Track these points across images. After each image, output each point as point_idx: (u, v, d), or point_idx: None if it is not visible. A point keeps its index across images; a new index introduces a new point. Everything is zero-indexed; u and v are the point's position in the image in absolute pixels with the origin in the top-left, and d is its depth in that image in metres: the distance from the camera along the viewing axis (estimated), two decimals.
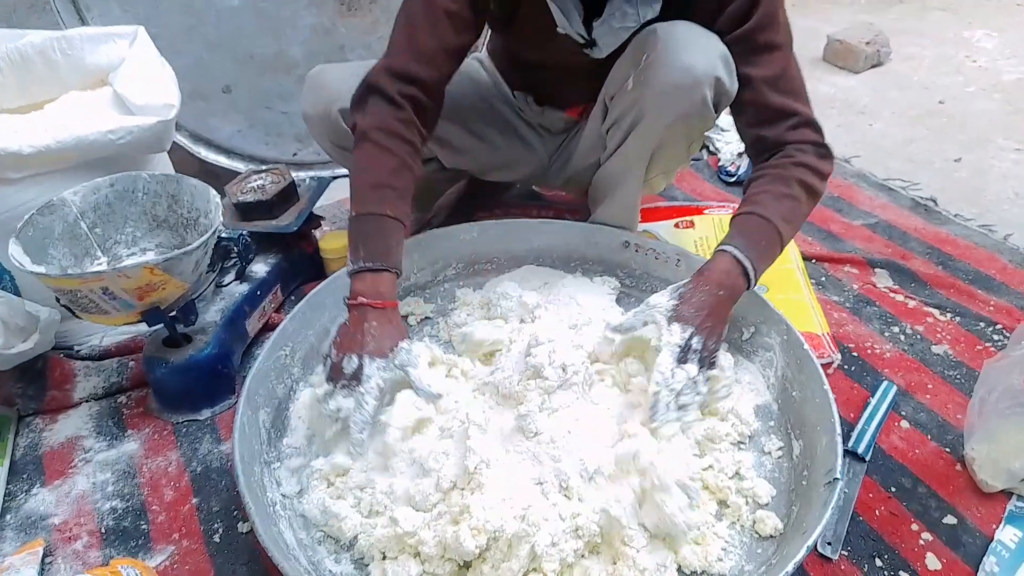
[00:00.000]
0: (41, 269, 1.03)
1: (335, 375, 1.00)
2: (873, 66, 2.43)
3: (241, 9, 1.64)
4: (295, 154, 1.80)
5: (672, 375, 0.99)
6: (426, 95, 1.10)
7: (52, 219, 1.11)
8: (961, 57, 2.48)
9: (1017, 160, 1.90)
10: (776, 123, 1.11)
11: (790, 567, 0.82)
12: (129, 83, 1.22)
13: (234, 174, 1.61)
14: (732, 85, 1.10)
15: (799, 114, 1.10)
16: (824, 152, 1.11)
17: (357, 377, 0.98)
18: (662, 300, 1.05)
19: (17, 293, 1.23)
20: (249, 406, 1.03)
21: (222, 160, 1.73)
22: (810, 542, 0.85)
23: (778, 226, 1.06)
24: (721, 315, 1.05)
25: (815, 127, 1.12)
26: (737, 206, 1.12)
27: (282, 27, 1.69)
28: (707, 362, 1.02)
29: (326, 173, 1.74)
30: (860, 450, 1.11)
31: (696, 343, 1.01)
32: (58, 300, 1.07)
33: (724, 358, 1.08)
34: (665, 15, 1.09)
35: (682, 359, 1.00)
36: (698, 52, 1.07)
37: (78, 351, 1.30)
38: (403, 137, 1.08)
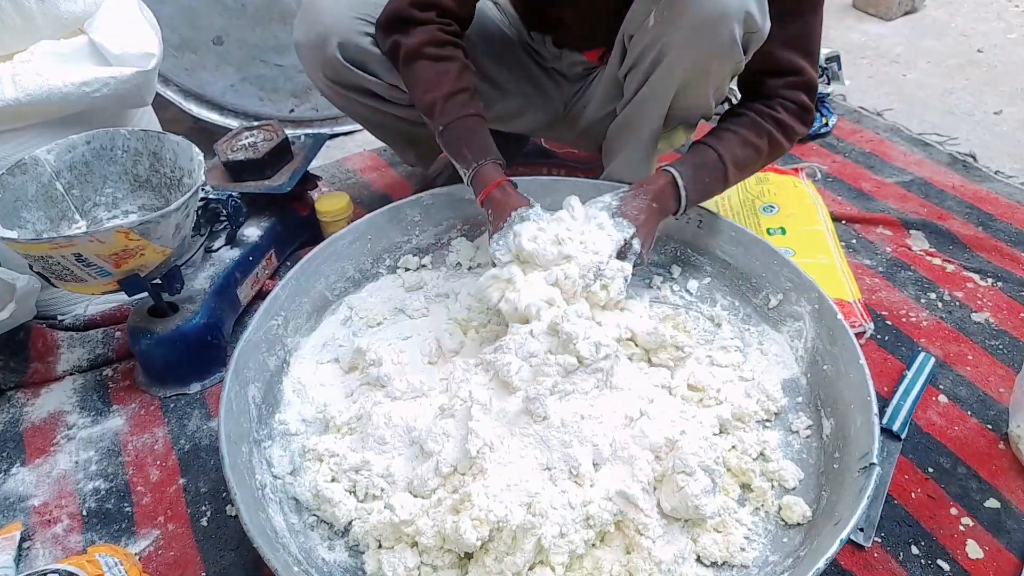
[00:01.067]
0: (11, 234, 0.95)
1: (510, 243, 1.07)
2: (907, 12, 2.30)
3: None
4: (292, 111, 1.70)
5: (607, 262, 1.04)
6: (453, 18, 1.13)
7: (25, 179, 1.03)
8: (1003, 1, 2.33)
9: None
10: (779, 76, 1.12)
11: (821, 563, 0.75)
12: (106, 31, 1.13)
13: (228, 132, 1.53)
14: (764, 23, 1.00)
15: (805, 75, 1.12)
16: (807, 118, 1.15)
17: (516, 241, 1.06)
18: (606, 199, 1.11)
19: None
20: (237, 380, 0.97)
21: (214, 117, 1.64)
22: (844, 535, 0.77)
23: (728, 169, 1.11)
24: (652, 226, 1.10)
25: (811, 90, 1.14)
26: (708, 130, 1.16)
27: None
28: (633, 254, 1.08)
29: (324, 131, 1.64)
30: (895, 427, 1.03)
31: (636, 244, 1.07)
32: (31, 268, 0.99)
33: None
34: None
35: (620, 255, 1.07)
36: None
37: (62, 321, 1.24)
38: (454, 43, 1.13)
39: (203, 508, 0.99)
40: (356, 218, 1.32)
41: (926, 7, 2.31)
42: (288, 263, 1.37)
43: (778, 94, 1.13)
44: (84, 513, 0.99)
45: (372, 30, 1.17)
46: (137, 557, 0.91)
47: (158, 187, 1.13)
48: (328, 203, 1.38)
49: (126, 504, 1.00)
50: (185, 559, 0.93)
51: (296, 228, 1.37)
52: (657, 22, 1.04)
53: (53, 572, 0.83)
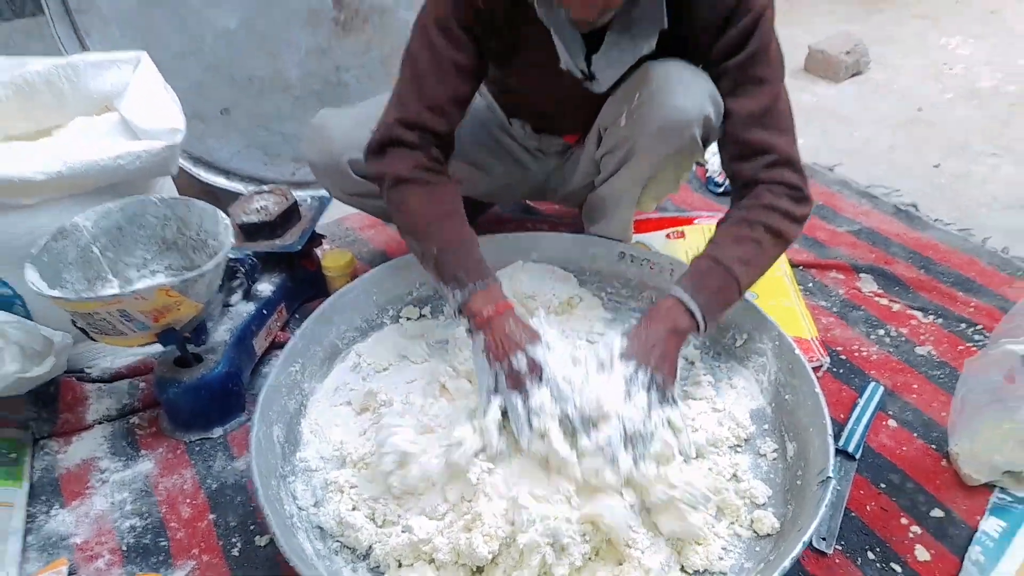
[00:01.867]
0: (60, 294, 1.06)
1: (513, 380, 1.00)
2: (853, 75, 2.50)
3: (238, 31, 1.67)
4: (293, 173, 1.83)
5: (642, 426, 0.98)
6: (440, 143, 1.16)
7: (66, 244, 1.14)
8: (939, 65, 2.56)
9: (995, 165, 1.97)
10: (753, 159, 1.11)
11: (787, 563, 0.87)
12: (135, 108, 1.26)
13: (234, 195, 1.65)
14: (718, 117, 1.14)
15: (778, 151, 1.10)
16: (798, 195, 1.11)
17: (534, 367, 1.00)
18: (613, 342, 1.05)
19: (29, 317, 1.25)
20: (264, 422, 1.07)
21: (221, 181, 1.76)
22: (805, 538, 0.89)
23: (732, 268, 1.07)
24: (666, 352, 1.04)
25: (793, 166, 1.11)
26: (713, 234, 1.13)
27: (279, 48, 1.73)
28: (662, 392, 1.02)
29: (323, 192, 1.77)
30: (851, 449, 1.16)
31: (642, 375, 1.00)
32: (74, 323, 1.10)
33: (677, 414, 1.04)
34: (661, 47, 1.12)
35: (627, 393, 0.99)
36: (688, 93, 1.12)
37: (89, 373, 1.33)
38: (440, 171, 1.16)
39: (233, 540, 1.08)
40: (358, 273, 1.45)
41: (871, 70, 2.53)
42: (296, 315, 1.48)
43: (759, 179, 1.11)
44: (123, 548, 1.07)
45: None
46: None
47: (183, 248, 1.24)
48: (333, 259, 1.50)
49: (161, 539, 1.09)
50: None
51: (304, 283, 1.49)
52: (628, 123, 1.20)
53: None
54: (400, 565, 0.96)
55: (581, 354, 1.06)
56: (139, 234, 1.22)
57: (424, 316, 1.40)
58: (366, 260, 1.63)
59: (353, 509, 1.04)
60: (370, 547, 0.99)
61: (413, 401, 1.16)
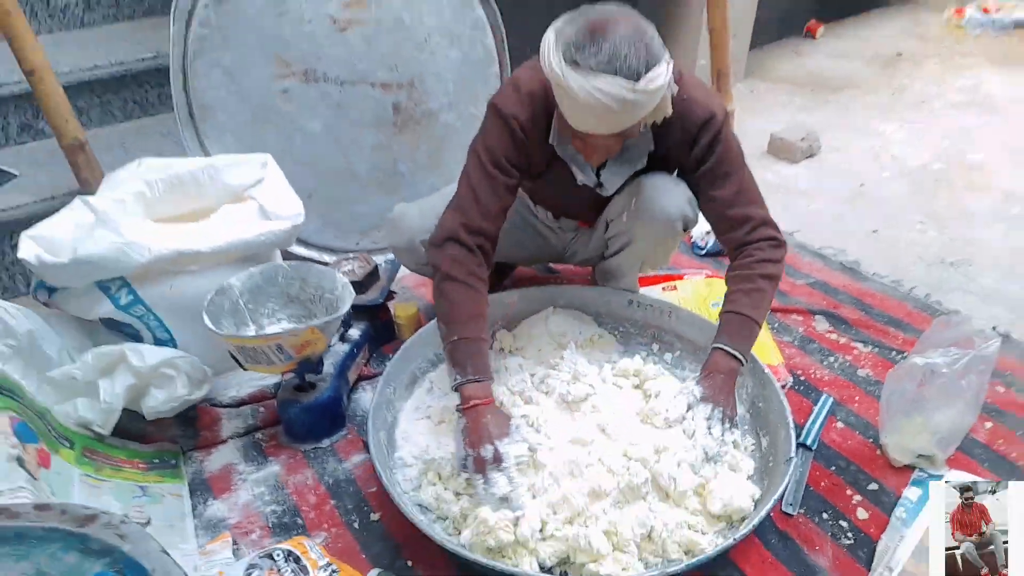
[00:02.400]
0: (237, 331, 1.45)
1: (479, 465, 1.31)
2: (808, 157, 2.97)
3: (320, 134, 2.11)
4: (357, 243, 2.24)
5: (710, 437, 1.41)
6: (489, 241, 1.48)
7: (223, 299, 1.53)
8: (878, 148, 3.04)
9: (921, 230, 2.43)
10: (738, 228, 1.49)
11: (764, 511, 1.26)
12: (267, 197, 1.67)
13: (315, 262, 2.05)
14: (695, 215, 1.58)
15: (755, 218, 1.48)
16: (777, 243, 1.49)
17: (497, 459, 1.31)
18: (692, 388, 1.47)
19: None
20: (375, 428, 1.45)
21: (302, 251, 2.16)
22: (776, 495, 1.28)
23: (751, 316, 1.46)
24: (729, 390, 1.46)
25: (770, 224, 1.50)
26: (726, 295, 1.52)
27: (350, 146, 2.17)
28: (729, 421, 1.44)
29: (379, 258, 2.18)
30: (808, 442, 1.55)
31: (717, 413, 1.43)
32: (233, 356, 1.48)
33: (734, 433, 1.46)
34: (650, 161, 1.56)
35: (708, 427, 1.43)
36: (672, 198, 1.55)
37: (220, 401, 1.70)
38: (479, 276, 1.44)
39: (352, 517, 1.44)
40: (421, 321, 1.85)
41: (822, 153, 3.00)
42: (375, 354, 1.87)
43: (747, 240, 1.47)
44: (270, 525, 1.43)
45: None
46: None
47: (304, 302, 1.63)
48: (403, 310, 1.90)
49: (298, 518, 1.44)
50: (349, 549, 1.37)
51: (381, 329, 1.88)
52: (628, 220, 1.63)
53: (276, 550, 1.28)
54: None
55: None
56: (271, 291, 1.61)
57: None
58: (423, 311, 2.02)
59: (446, 490, 1.41)
60: (463, 517, 1.35)
61: None
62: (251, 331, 1.57)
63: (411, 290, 2.11)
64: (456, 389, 1.39)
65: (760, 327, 1.49)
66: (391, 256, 1.97)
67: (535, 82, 1.46)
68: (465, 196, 1.48)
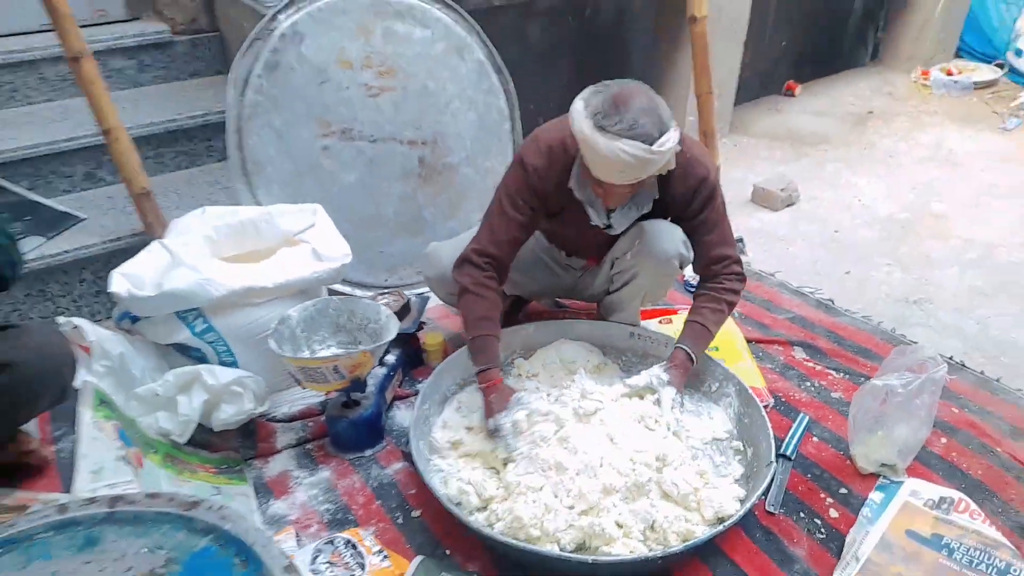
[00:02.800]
0: (319, 350, 1.71)
1: (492, 432, 1.69)
2: (788, 205, 3.27)
3: (355, 184, 2.39)
4: (386, 280, 2.50)
5: (673, 414, 1.75)
6: (499, 263, 1.81)
7: (284, 327, 1.78)
8: (850, 198, 3.34)
9: (889, 271, 2.72)
10: (716, 264, 1.84)
11: (748, 505, 1.50)
12: (319, 240, 1.93)
13: (349, 296, 2.30)
14: (689, 255, 1.87)
15: (730, 258, 1.84)
16: (741, 277, 1.86)
17: (498, 428, 1.68)
18: (659, 373, 1.79)
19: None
20: (415, 437, 1.68)
21: (337, 286, 2.42)
22: (759, 493, 1.53)
23: (710, 329, 1.82)
24: (683, 380, 1.82)
25: (738, 262, 1.85)
26: (689, 309, 1.87)
27: (379, 196, 2.44)
28: (680, 404, 1.81)
29: (422, 290, 2.43)
30: (788, 452, 1.80)
31: (677, 398, 1.78)
32: (292, 375, 1.72)
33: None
34: (655, 208, 1.85)
35: (673, 406, 1.76)
36: (670, 241, 1.84)
37: (274, 416, 1.93)
38: (489, 287, 1.79)
39: (396, 514, 1.66)
40: (447, 349, 2.10)
41: (800, 202, 3.29)
42: (406, 377, 2.11)
43: (720, 273, 1.83)
44: (325, 521, 1.65)
45: None
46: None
47: (350, 330, 1.88)
48: (431, 339, 2.14)
49: (349, 515, 1.66)
50: (395, 540, 1.59)
51: (413, 355, 2.13)
52: (632, 257, 1.90)
53: (336, 538, 1.51)
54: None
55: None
56: (323, 321, 1.86)
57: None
58: (449, 340, 2.27)
59: (468, 484, 1.63)
60: (490, 498, 1.58)
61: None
62: (309, 354, 1.81)
63: (437, 322, 2.36)
64: (477, 375, 1.78)
65: (713, 338, 1.86)
66: (419, 291, 2.23)
67: (554, 138, 1.77)
68: (483, 228, 1.83)
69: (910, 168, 3.65)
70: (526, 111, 2.71)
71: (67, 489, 1.48)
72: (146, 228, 2.21)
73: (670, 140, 1.56)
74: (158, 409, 1.71)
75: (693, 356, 1.82)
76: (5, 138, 2.41)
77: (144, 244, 2.13)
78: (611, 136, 1.53)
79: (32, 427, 1.63)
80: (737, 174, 3.45)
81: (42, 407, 1.48)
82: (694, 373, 1.92)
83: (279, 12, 2.18)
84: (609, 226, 1.86)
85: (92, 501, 1.36)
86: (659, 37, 3.63)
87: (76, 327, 1.59)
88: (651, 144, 1.53)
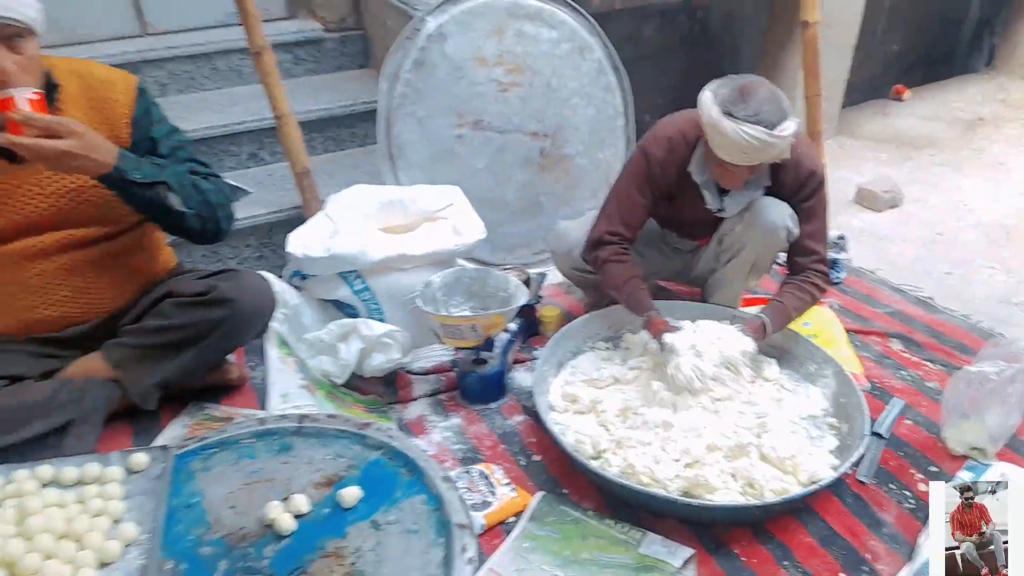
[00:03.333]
0: (454, 312, 1.97)
1: (669, 348, 1.90)
2: (891, 207, 3.33)
3: (482, 170, 2.65)
4: (503, 258, 2.75)
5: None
6: (628, 240, 2.04)
7: (427, 290, 2.05)
8: (956, 201, 3.37)
9: (990, 274, 2.76)
10: (806, 256, 2.00)
11: (842, 468, 1.66)
12: (458, 218, 2.20)
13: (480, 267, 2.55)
14: (796, 230, 2.02)
15: (820, 254, 2.00)
16: (826, 277, 2.03)
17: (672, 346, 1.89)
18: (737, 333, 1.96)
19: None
20: (538, 393, 1.91)
21: (462, 262, 2.68)
22: (852, 460, 1.68)
23: (790, 312, 1.98)
24: (757, 337, 1.96)
25: (825, 262, 2.02)
26: (777, 291, 2.05)
27: (503, 181, 2.70)
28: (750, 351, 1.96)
29: (540, 269, 2.67)
30: (882, 431, 1.93)
31: (745, 337, 1.94)
32: (434, 332, 1.98)
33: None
34: (764, 196, 2.02)
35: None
36: (779, 213, 2.00)
37: (411, 369, 2.21)
38: (626, 254, 2.03)
39: (519, 458, 1.89)
40: (561, 321, 2.33)
41: (904, 204, 3.35)
42: (525, 344, 2.35)
43: (807, 267, 1.99)
44: (459, 459, 1.90)
45: None
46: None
47: (482, 297, 2.13)
48: (548, 311, 2.38)
49: (479, 455, 1.91)
50: (519, 478, 1.82)
51: (531, 325, 2.37)
52: (740, 229, 2.07)
53: (472, 468, 1.75)
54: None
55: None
56: (459, 288, 2.12)
57: (609, 348, 2.25)
58: (563, 314, 2.50)
59: (584, 435, 1.85)
60: (603, 449, 1.80)
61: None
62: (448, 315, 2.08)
63: (552, 298, 2.59)
64: (644, 326, 2.03)
65: (791, 320, 2.02)
66: (536, 270, 2.46)
67: (674, 131, 2.00)
68: (610, 212, 2.06)
69: (1019, 175, 3.62)
70: (636, 107, 2.90)
71: (262, 407, 1.79)
72: (303, 202, 2.53)
73: (789, 128, 1.76)
74: (322, 353, 2.01)
75: (769, 328, 1.96)
76: (185, 120, 2.79)
77: (299, 216, 2.46)
78: (736, 121, 1.73)
79: (230, 356, 1.96)
80: (842, 175, 3.53)
81: (249, 338, 1.80)
82: (794, 356, 2.08)
83: (428, 15, 2.45)
84: (721, 209, 2.04)
85: (284, 417, 1.67)
86: (768, 40, 3.74)
87: (265, 280, 1.90)
88: (772, 129, 1.72)
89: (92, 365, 1.74)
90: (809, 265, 2.01)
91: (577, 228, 2.21)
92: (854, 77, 4.02)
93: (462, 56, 2.52)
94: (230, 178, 2.78)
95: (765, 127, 1.72)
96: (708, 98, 1.80)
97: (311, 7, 3.26)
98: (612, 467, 1.74)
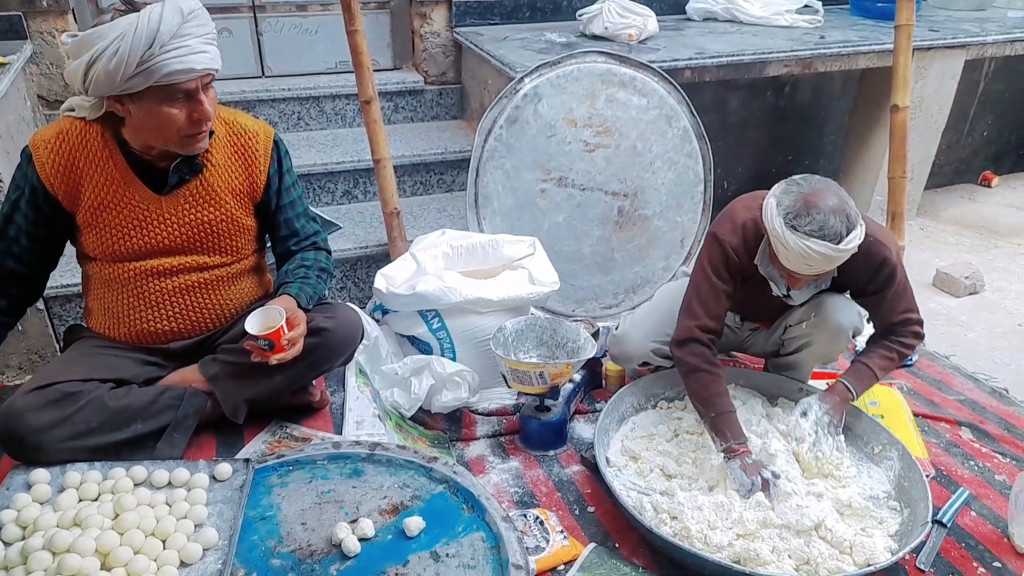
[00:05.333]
0: (523, 358, 2.05)
1: (764, 485, 1.80)
2: (970, 293, 3.25)
3: (562, 224, 2.76)
4: (572, 310, 2.84)
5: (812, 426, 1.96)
6: (717, 335, 1.96)
7: (500, 335, 2.15)
8: None
9: None
10: (898, 325, 1.98)
11: (901, 554, 1.65)
12: (535, 267, 2.30)
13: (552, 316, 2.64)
14: (863, 326, 2.04)
15: (912, 320, 1.97)
16: (919, 335, 1.99)
17: (757, 484, 1.80)
18: (813, 401, 1.98)
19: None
20: (600, 445, 1.97)
21: (532, 310, 2.78)
22: (912, 546, 1.67)
23: (876, 372, 1.96)
24: (840, 409, 1.97)
25: (920, 323, 1.97)
26: (863, 352, 2.03)
27: (580, 235, 2.80)
28: (833, 427, 1.97)
29: (608, 323, 2.74)
30: (945, 519, 1.90)
31: (826, 416, 1.96)
32: (503, 375, 2.07)
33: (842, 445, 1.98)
34: (833, 283, 2.03)
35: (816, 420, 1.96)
36: (847, 314, 2.02)
37: (475, 409, 2.30)
38: (716, 364, 1.94)
39: (573, 506, 1.94)
40: (625, 377, 2.38)
41: (985, 291, 3.28)
42: (587, 396, 2.41)
43: (900, 330, 1.97)
44: (515, 500, 1.96)
45: (655, 348, 2.17)
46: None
47: (551, 346, 2.22)
48: (612, 367, 2.43)
49: (534, 500, 1.97)
50: (572, 527, 1.87)
51: (594, 378, 2.43)
52: (808, 327, 2.09)
53: (528, 512, 1.81)
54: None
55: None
56: (529, 335, 2.21)
57: (670, 407, 2.29)
58: (627, 372, 2.55)
59: (643, 494, 1.89)
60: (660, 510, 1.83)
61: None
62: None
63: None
64: (724, 452, 1.87)
65: (876, 381, 2.00)
66: (604, 323, 2.54)
67: (746, 217, 1.97)
68: (695, 303, 1.97)
69: None
70: (716, 174, 2.97)
71: (338, 431, 1.91)
72: (390, 240, 2.69)
73: (855, 239, 1.71)
74: (395, 386, 2.12)
75: (853, 391, 1.95)
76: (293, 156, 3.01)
77: (383, 253, 2.61)
78: (800, 236, 1.69)
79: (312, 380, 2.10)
80: (921, 257, 3.49)
81: (336, 366, 1.93)
82: (858, 435, 2.08)
83: (525, 76, 2.61)
84: (788, 296, 2.06)
85: (358, 443, 1.78)
86: (854, 117, 3.77)
87: (356, 313, 2.04)
88: (838, 243, 1.68)
89: (189, 376, 1.90)
90: (899, 329, 1.99)
91: (634, 332, 2.26)
92: (941, 159, 4.00)
93: (554, 116, 2.66)
94: (325, 212, 2.98)
95: (831, 241, 1.67)
96: (772, 207, 1.75)
97: (415, 61, 3.49)
98: (666, 527, 1.78)
